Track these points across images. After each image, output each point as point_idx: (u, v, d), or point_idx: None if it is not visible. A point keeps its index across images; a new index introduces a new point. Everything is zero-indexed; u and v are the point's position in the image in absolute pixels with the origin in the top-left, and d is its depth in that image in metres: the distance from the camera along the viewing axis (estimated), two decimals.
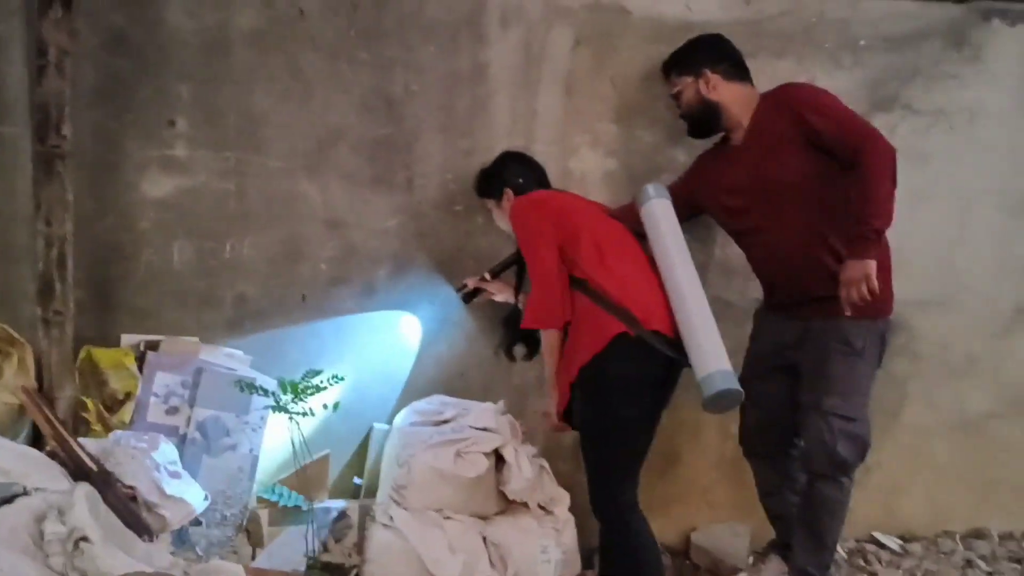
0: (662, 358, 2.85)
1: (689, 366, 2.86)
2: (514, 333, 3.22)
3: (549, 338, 3.03)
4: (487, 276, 3.36)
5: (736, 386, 2.79)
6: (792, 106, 2.99)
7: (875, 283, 2.79)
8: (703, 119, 3.21)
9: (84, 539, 2.31)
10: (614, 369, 2.83)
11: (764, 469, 3.39)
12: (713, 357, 2.81)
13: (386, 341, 3.46)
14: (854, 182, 2.84)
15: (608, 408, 2.86)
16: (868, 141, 2.84)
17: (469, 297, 3.39)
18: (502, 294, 3.35)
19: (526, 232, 3.04)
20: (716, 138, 3.30)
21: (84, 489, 2.46)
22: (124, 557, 2.35)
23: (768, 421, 3.26)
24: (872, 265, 2.79)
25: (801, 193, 2.99)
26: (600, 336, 2.83)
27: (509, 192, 3.21)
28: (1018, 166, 3.79)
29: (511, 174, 3.24)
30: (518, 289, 3.28)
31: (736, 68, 3.17)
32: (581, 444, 2.97)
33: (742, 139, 3.15)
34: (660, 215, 3.08)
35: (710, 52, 3.19)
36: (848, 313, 2.85)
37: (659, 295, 2.94)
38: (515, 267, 3.29)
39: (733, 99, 3.14)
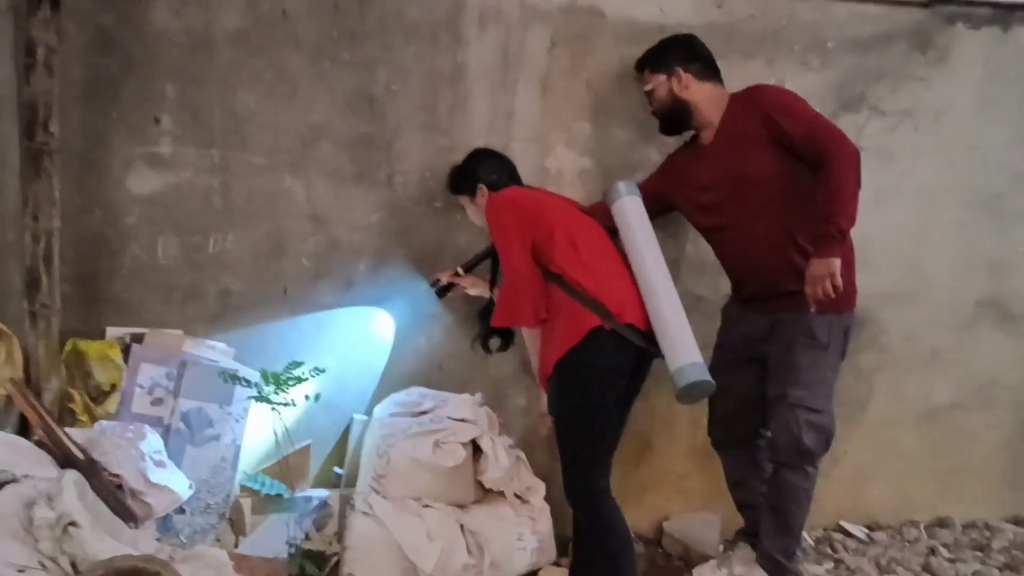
0: (635, 349, 2.95)
1: (662, 358, 2.95)
2: (489, 326, 3.28)
3: (531, 337, 3.15)
4: (460, 271, 3.42)
5: (707, 377, 2.90)
6: (761, 107, 3.07)
7: (839, 280, 2.88)
8: (675, 117, 3.28)
9: (73, 524, 2.37)
10: (590, 361, 2.92)
11: (732, 459, 3.47)
12: (684, 350, 2.91)
13: (366, 334, 3.53)
14: (820, 182, 2.93)
15: (584, 398, 2.95)
16: (834, 143, 2.93)
17: (443, 292, 3.44)
18: (475, 288, 3.42)
19: (500, 230, 3.11)
20: (687, 136, 3.39)
21: (72, 476, 2.52)
22: (112, 542, 2.41)
23: (736, 412, 3.34)
24: (836, 263, 2.88)
25: (769, 191, 3.08)
26: (577, 329, 2.92)
27: (483, 188, 3.27)
28: (979, 164, 3.91)
29: (484, 171, 3.30)
30: (492, 283, 3.36)
31: (707, 68, 3.25)
32: (556, 432, 3.06)
33: (712, 138, 3.23)
34: (631, 212, 3.17)
35: (682, 51, 3.26)
36: (812, 309, 2.95)
37: (632, 289, 3.04)
38: (489, 261, 3.36)
39: (704, 98, 3.21)
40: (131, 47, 3.16)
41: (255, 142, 3.32)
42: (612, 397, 2.99)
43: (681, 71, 3.22)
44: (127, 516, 2.74)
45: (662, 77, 3.26)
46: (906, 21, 3.71)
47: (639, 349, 2.96)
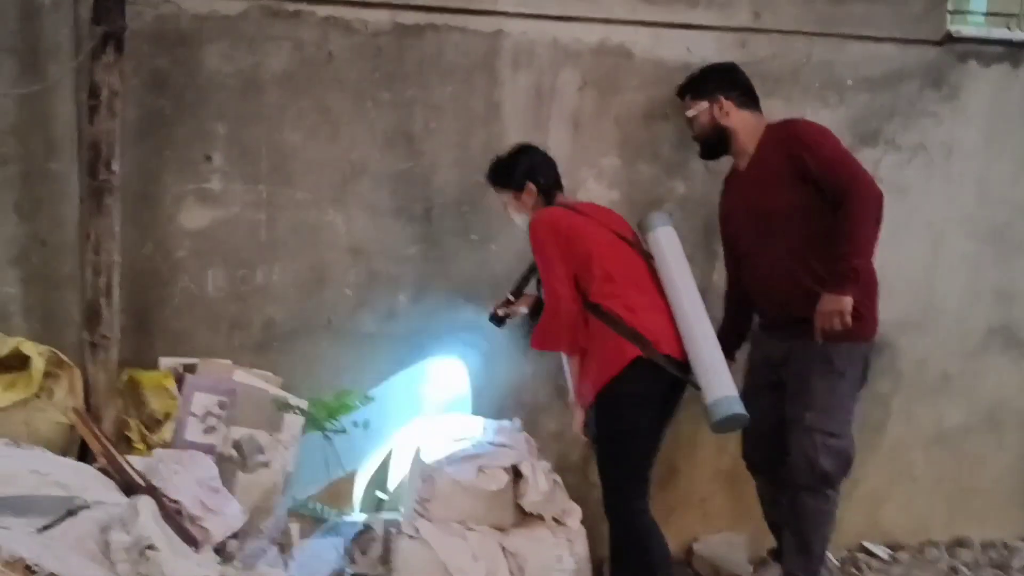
0: (671, 378, 3.08)
1: (699, 389, 3.06)
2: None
3: (571, 362, 3.27)
4: (511, 297, 3.51)
5: (742, 411, 3.00)
6: (789, 141, 3.18)
7: (848, 319, 3.01)
8: (714, 142, 3.41)
9: (151, 547, 2.46)
10: (630, 388, 3.05)
11: (763, 481, 3.55)
12: (720, 383, 3.02)
13: (406, 362, 3.63)
14: (839, 220, 3.03)
15: (624, 424, 3.09)
16: (856, 184, 3.03)
17: (501, 321, 3.52)
18: (529, 308, 3.51)
19: (543, 257, 3.20)
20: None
21: (146, 501, 2.61)
22: (189, 564, 2.51)
23: (763, 435, 3.39)
24: (848, 302, 3.01)
25: (788, 223, 3.18)
26: (618, 359, 3.04)
27: (531, 187, 3.31)
28: (987, 197, 4.06)
29: (534, 170, 3.33)
30: (539, 288, 3.43)
31: (747, 96, 3.36)
32: (598, 455, 3.20)
33: (745, 166, 3.35)
34: (664, 243, 3.26)
35: (724, 79, 3.38)
36: (819, 340, 3.07)
37: (667, 319, 3.15)
38: (534, 277, 3.43)
39: (743, 126, 3.32)
40: (184, 88, 3.30)
41: (299, 178, 3.45)
42: (650, 422, 3.12)
43: (723, 99, 3.33)
44: (189, 541, 2.82)
45: (704, 104, 3.36)
46: (919, 59, 3.88)
47: (674, 376, 3.08)
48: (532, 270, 3.43)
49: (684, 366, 3.10)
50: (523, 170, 3.34)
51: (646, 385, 3.06)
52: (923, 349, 4.10)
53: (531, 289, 3.52)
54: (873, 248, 3.08)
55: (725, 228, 3.52)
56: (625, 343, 3.04)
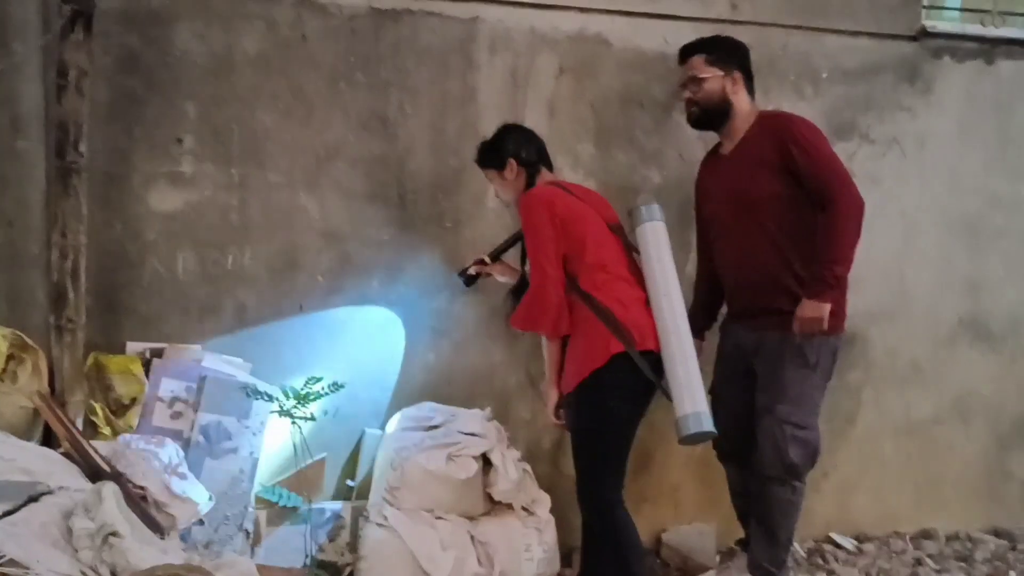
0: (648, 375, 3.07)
1: (669, 399, 3.04)
2: (518, 303, 3.31)
3: (550, 345, 3.24)
4: (487, 260, 3.50)
5: (709, 428, 2.98)
6: (781, 135, 3.14)
7: (825, 325, 3.04)
8: (714, 114, 3.32)
9: (114, 534, 2.43)
10: (612, 380, 3.03)
11: (733, 470, 3.56)
12: (691, 398, 2.99)
13: (377, 349, 3.61)
14: (822, 225, 3.04)
15: (604, 414, 3.08)
16: (841, 190, 3.03)
17: (471, 281, 3.51)
18: (504, 276, 3.49)
19: (535, 235, 3.14)
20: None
21: (111, 487, 2.58)
22: (152, 551, 2.48)
23: (735, 424, 3.38)
24: (826, 308, 3.03)
25: (768, 212, 3.17)
26: (602, 352, 3.02)
27: (512, 162, 3.27)
28: (958, 189, 4.09)
29: (514, 145, 3.29)
30: (523, 263, 3.38)
31: (750, 82, 3.34)
32: (575, 444, 3.18)
33: (731, 150, 3.32)
34: (652, 240, 3.20)
35: (742, 57, 3.34)
36: (804, 348, 3.11)
37: (649, 314, 3.12)
38: (519, 246, 3.40)
39: (742, 107, 3.29)
40: (155, 69, 3.26)
41: (272, 161, 3.42)
42: (628, 414, 3.12)
43: (737, 74, 3.29)
44: (154, 527, 2.80)
45: (719, 72, 3.28)
46: (894, 53, 3.91)
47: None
48: (514, 240, 3.42)
49: (659, 363, 3.08)
50: (504, 147, 3.31)
51: (628, 378, 3.05)
52: (894, 339, 4.13)
53: (508, 258, 3.51)
54: (853, 255, 3.08)
55: (701, 210, 3.50)
56: (611, 337, 3.03)
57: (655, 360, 3.06)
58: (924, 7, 3.95)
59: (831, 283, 3.03)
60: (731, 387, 3.41)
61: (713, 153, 3.46)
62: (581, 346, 3.11)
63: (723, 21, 3.68)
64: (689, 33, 3.62)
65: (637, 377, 3.04)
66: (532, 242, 3.16)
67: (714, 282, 3.50)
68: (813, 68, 3.83)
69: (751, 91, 3.33)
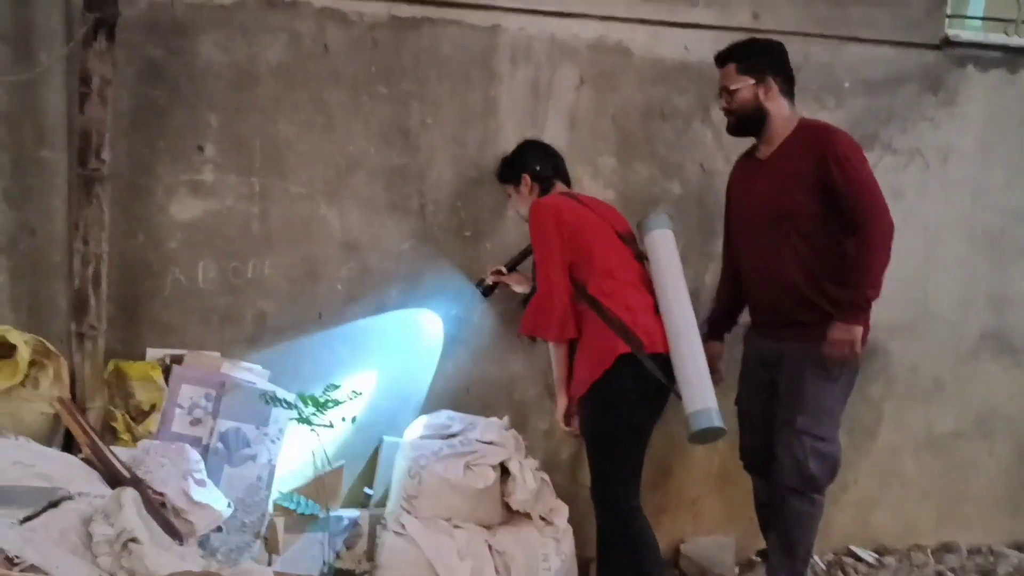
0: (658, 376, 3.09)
1: (679, 397, 3.07)
2: None
3: (556, 351, 3.27)
4: (503, 270, 3.53)
5: (719, 424, 3.00)
6: (822, 149, 3.09)
7: (859, 348, 3.03)
8: (750, 122, 3.27)
9: (133, 540, 2.45)
10: (621, 384, 3.07)
11: (758, 481, 3.52)
12: (701, 394, 3.03)
13: (396, 358, 3.62)
14: (855, 247, 3.04)
15: (617, 417, 3.11)
16: (875, 215, 3.02)
17: (488, 291, 3.55)
18: (520, 286, 3.51)
19: (542, 243, 3.21)
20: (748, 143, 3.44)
21: (131, 493, 2.60)
22: (171, 557, 2.50)
23: (760, 436, 3.38)
24: (858, 331, 3.03)
25: (798, 225, 3.15)
26: (608, 354, 3.06)
27: (527, 178, 3.37)
28: (982, 202, 4.07)
29: (529, 161, 3.40)
30: (534, 273, 3.38)
31: (789, 84, 3.27)
32: (590, 451, 3.20)
33: (767, 156, 3.27)
34: (661, 247, 3.25)
35: (776, 61, 3.27)
36: (829, 367, 3.10)
37: (658, 319, 3.16)
38: (531, 258, 3.40)
39: (780, 113, 3.23)
40: (178, 79, 3.27)
41: (293, 171, 3.43)
42: (640, 415, 3.15)
43: (771, 80, 3.22)
44: (173, 533, 2.82)
45: (751, 81, 3.22)
46: (917, 63, 3.89)
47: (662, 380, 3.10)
48: (530, 250, 3.42)
49: (669, 366, 3.10)
50: (519, 162, 3.42)
51: (637, 380, 3.07)
52: (915, 354, 4.10)
53: (524, 268, 3.52)
54: (882, 279, 3.07)
55: (731, 212, 3.49)
56: (618, 340, 3.06)
57: (665, 363, 3.09)
58: (947, 16, 3.93)
59: (863, 307, 3.05)
60: (754, 398, 3.41)
61: (749, 155, 3.41)
62: (589, 351, 3.16)
63: (744, 30, 3.66)
64: (710, 42, 3.63)
65: (646, 379, 3.07)
66: (539, 250, 3.23)
67: (737, 285, 3.48)
68: (835, 78, 3.82)
69: (790, 93, 3.27)
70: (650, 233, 3.28)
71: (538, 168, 3.38)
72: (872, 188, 3.08)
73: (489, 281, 3.52)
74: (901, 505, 4.19)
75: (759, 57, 3.25)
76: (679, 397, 3.07)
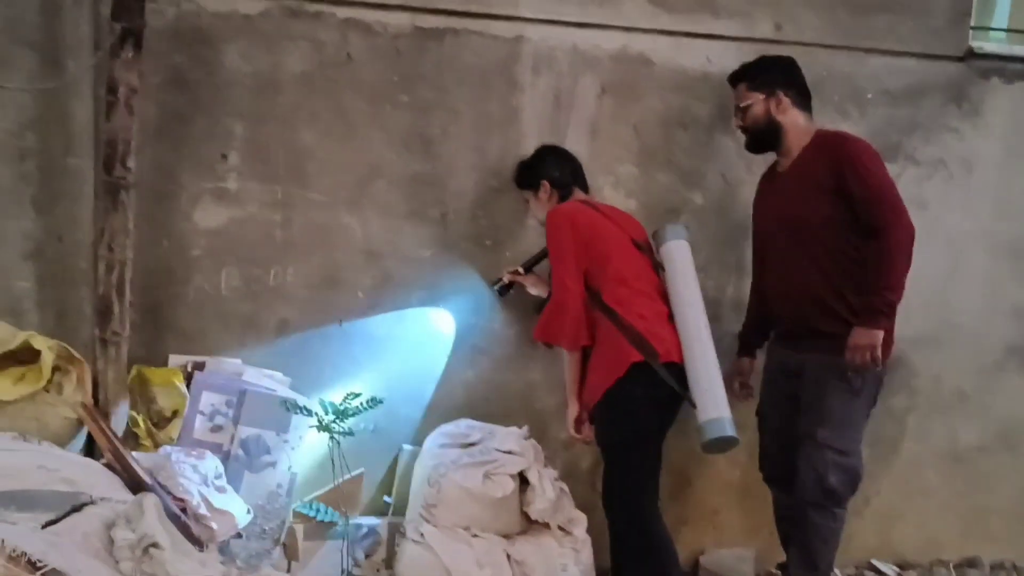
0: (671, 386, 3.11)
1: (693, 406, 3.10)
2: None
3: (570, 358, 3.31)
4: (520, 270, 3.54)
5: (732, 433, 3.03)
6: (837, 156, 3.12)
7: (879, 353, 3.01)
8: (764, 137, 3.33)
9: (154, 545, 2.46)
10: (634, 392, 3.10)
11: (779, 493, 3.50)
12: (714, 403, 3.05)
13: (416, 366, 3.63)
14: (874, 251, 3.03)
15: (631, 425, 3.14)
16: (893, 218, 3.02)
17: (504, 291, 3.56)
18: (536, 287, 3.52)
19: (556, 245, 3.26)
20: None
21: (152, 499, 2.61)
22: (191, 563, 2.51)
23: (781, 448, 3.37)
24: (880, 336, 3.01)
25: (817, 234, 3.15)
26: (622, 362, 3.10)
27: (546, 184, 3.39)
28: (1006, 213, 4.02)
29: (548, 167, 3.42)
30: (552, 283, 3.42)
31: (803, 97, 3.32)
32: (606, 458, 3.23)
33: (787, 167, 3.30)
34: (677, 257, 3.30)
35: (785, 74, 3.32)
36: (850, 373, 3.08)
37: (673, 329, 3.20)
38: (547, 260, 3.44)
39: (794, 125, 3.27)
40: (202, 87, 3.31)
41: (315, 179, 3.45)
42: (655, 425, 3.17)
43: (781, 93, 3.27)
44: (193, 539, 2.83)
45: (760, 96, 3.29)
46: (941, 74, 3.86)
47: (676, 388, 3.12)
48: (546, 252, 3.45)
49: (683, 375, 3.13)
50: (538, 168, 3.44)
51: (649, 388, 3.10)
52: (939, 366, 4.06)
53: (540, 270, 3.54)
54: (904, 283, 3.07)
55: (755, 227, 3.51)
56: (631, 348, 3.09)
57: (679, 372, 3.11)
58: (971, 28, 3.90)
59: (884, 311, 3.03)
60: (776, 409, 3.40)
61: (771, 170, 3.45)
62: (603, 359, 3.19)
63: (767, 41, 3.67)
64: (732, 53, 3.63)
65: (659, 387, 3.09)
66: (555, 256, 3.27)
67: (766, 300, 3.47)
68: (858, 89, 3.80)
69: (804, 106, 3.30)
70: (666, 244, 3.32)
71: (557, 174, 3.40)
72: (889, 192, 3.08)
73: (506, 279, 3.54)
74: (924, 519, 4.15)
75: (768, 72, 3.32)
76: (693, 406, 3.08)
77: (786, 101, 3.27)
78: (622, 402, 3.12)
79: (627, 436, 3.15)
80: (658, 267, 3.35)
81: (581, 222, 3.24)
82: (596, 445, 3.35)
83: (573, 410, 3.36)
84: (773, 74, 3.31)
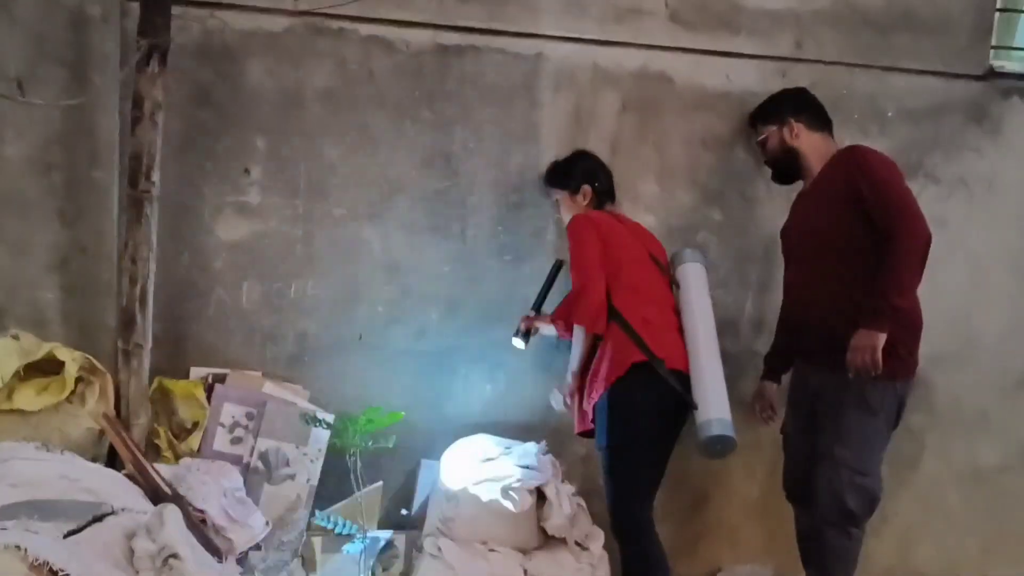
0: (675, 391, 3.13)
1: (695, 407, 3.12)
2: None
3: (582, 341, 3.31)
4: (532, 313, 3.55)
5: (729, 433, 3.04)
6: (850, 166, 3.16)
7: (879, 357, 2.94)
8: (784, 165, 3.46)
9: (174, 556, 2.48)
10: (635, 393, 3.13)
11: (801, 512, 3.46)
12: (715, 404, 3.08)
13: (435, 380, 3.65)
14: (883, 254, 2.99)
15: (631, 428, 3.15)
16: (906, 221, 2.98)
17: (526, 337, 3.55)
18: (547, 327, 3.54)
19: (579, 246, 3.29)
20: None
21: (172, 510, 2.63)
22: (211, 574, 2.53)
23: (801, 465, 3.35)
24: (881, 338, 2.95)
25: (835, 248, 3.15)
26: (623, 361, 3.15)
27: (588, 190, 3.45)
28: None
29: (595, 174, 3.49)
30: (539, 304, 3.56)
31: (817, 118, 3.40)
32: (604, 462, 3.25)
33: (808, 187, 3.37)
34: (692, 277, 3.38)
35: (793, 102, 3.45)
36: (851, 375, 3.02)
37: (680, 338, 3.25)
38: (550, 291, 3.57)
39: (811, 147, 3.36)
40: (226, 102, 3.35)
41: (337, 194, 3.48)
42: (655, 428, 3.18)
43: (792, 120, 3.38)
44: (213, 551, 2.85)
45: (774, 127, 3.44)
46: (962, 93, 3.87)
47: (678, 393, 3.13)
48: (549, 286, 3.55)
49: (687, 383, 3.16)
50: (581, 172, 3.48)
51: (652, 391, 3.13)
52: (959, 385, 4.05)
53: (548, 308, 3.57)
54: (915, 288, 3.06)
55: (782, 245, 3.54)
56: (633, 349, 3.13)
57: (684, 381, 3.15)
58: (992, 47, 3.91)
59: (887, 313, 2.96)
60: (798, 427, 3.40)
61: (799, 194, 3.49)
62: (607, 359, 3.21)
63: (787, 59, 3.69)
64: (752, 71, 3.67)
65: (661, 390, 3.12)
66: (577, 252, 3.29)
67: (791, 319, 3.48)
68: (878, 107, 3.81)
69: (821, 128, 3.36)
70: (683, 265, 3.39)
71: (599, 185, 3.47)
72: (902, 195, 3.07)
73: (523, 327, 3.54)
74: (943, 538, 4.13)
75: (776, 104, 3.50)
76: (694, 407, 3.12)
77: (798, 127, 3.37)
78: (621, 404, 3.16)
79: (624, 439, 3.16)
80: (673, 283, 3.40)
81: (602, 228, 3.30)
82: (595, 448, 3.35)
83: (572, 383, 3.36)
84: (782, 104, 3.47)
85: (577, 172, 3.48)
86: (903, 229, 2.98)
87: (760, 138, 3.48)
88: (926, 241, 2.99)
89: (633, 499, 3.18)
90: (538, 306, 3.57)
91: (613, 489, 3.22)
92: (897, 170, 3.18)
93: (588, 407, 3.30)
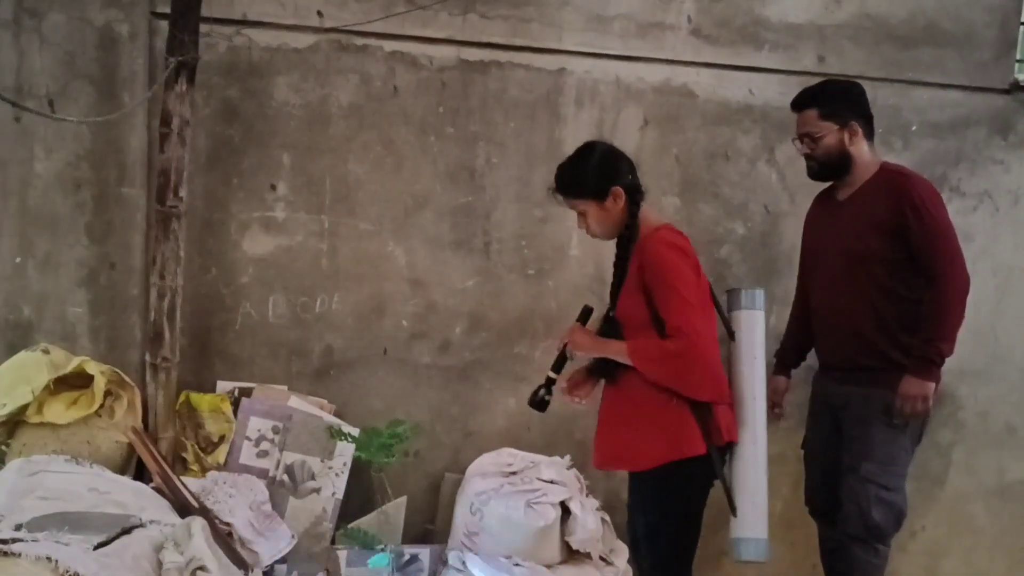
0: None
1: (733, 509, 2.90)
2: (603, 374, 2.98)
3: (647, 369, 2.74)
4: (552, 376, 3.02)
5: (762, 558, 2.92)
6: (899, 195, 3.05)
7: (930, 404, 2.98)
8: (835, 167, 3.19)
9: (202, 568, 2.50)
10: (693, 476, 2.80)
11: (824, 528, 3.43)
12: (752, 520, 2.90)
13: (459, 394, 3.66)
14: (928, 300, 3.00)
15: (688, 507, 2.85)
16: (949, 267, 2.98)
17: (543, 405, 3.02)
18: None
19: (678, 280, 2.69)
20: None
21: (200, 522, 2.66)
22: None
23: (824, 482, 3.33)
24: (932, 388, 2.98)
25: (872, 272, 3.10)
26: (689, 444, 2.73)
27: (619, 191, 2.77)
28: None
29: (621, 170, 2.82)
30: (559, 369, 3.02)
31: (870, 126, 3.20)
32: (651, 534, 2.91)
33: (846, 198, 3.22)
34: (748, 329, 3.01)
35: (859, 104, 3.19)
36: (895, 422, 3.04)
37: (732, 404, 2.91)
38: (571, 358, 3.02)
39: (862, 157, 3.16)
40: (253, 119, 3.40)
41: (362, 209, 3.51)
42: (703, 504, 2.90)
43: (855, 124, 3.13)
44: (239, 563, 2.87)
45: (835, 126, 3.13)
46: (986, 106, 3.86)
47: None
48: (563, 356, 3.00)
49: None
50: (602, 172, 2.79)
51: (709, 484, 2.86)
52: (986, 399, 4.01)
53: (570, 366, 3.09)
54: (956, 333, 3.04)
55: (806, 249, 3.45)
56: (698, 431, 2.73)
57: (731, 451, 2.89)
58: (1017, 60, 3.90)
59: (937, 362, 3.00)
60: (821, 442, 3.36)
61: (828, 195, 3.34)
62: (665, 427, 2.75)
63: (810, 73, 3.67)
64: (775, 85, 3.67)
65: (713, 471, 2.82)
66: (671, 290, 2.67)
67: (807, 323, 3.44)
68: (902, 121, 3.81)
69: (871, 136, 3.19)
70: (740, 311, 3.04)
71: (629, 179, 2.82)
72: (949, 239, 3.03)
73: (542, 393, 3.00)
74: (970, 554, 4.09)
75: (840, 101, 3.17)
76: (728, 497, 2.88)
77: (860, 132, 3.14)
78: (678, 489, 2.79)
79: (676, 520, 2.86)
80: (721, 315, 2.99)
81: (691, 258, 2.79)
82: (636, 519, 3.02)
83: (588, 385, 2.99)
84: (846, 103, 3.17)
85: (596, 173, 2.78)
86: (950, 275, 2.99)
87: (817, 133, 3.13)
88: (967, 286, 3.02)
89: (684, 569, 2.93)
90: (559, 367, 3.02)
91: (664, 561, 2.90)
92: (943, 205, 3.11)
93: (632, 468, 2.95)
